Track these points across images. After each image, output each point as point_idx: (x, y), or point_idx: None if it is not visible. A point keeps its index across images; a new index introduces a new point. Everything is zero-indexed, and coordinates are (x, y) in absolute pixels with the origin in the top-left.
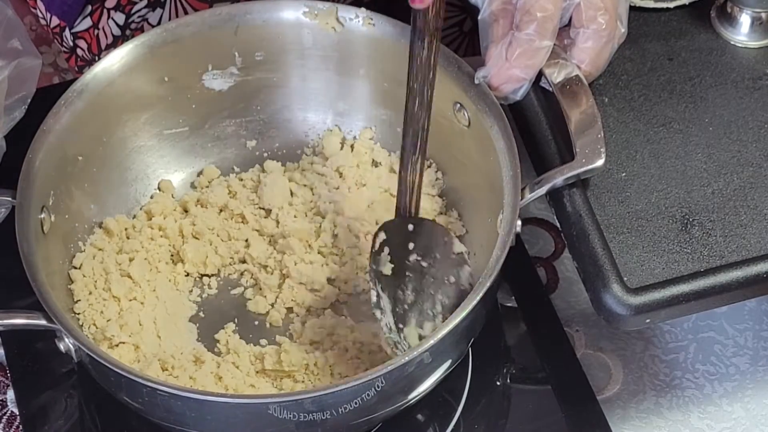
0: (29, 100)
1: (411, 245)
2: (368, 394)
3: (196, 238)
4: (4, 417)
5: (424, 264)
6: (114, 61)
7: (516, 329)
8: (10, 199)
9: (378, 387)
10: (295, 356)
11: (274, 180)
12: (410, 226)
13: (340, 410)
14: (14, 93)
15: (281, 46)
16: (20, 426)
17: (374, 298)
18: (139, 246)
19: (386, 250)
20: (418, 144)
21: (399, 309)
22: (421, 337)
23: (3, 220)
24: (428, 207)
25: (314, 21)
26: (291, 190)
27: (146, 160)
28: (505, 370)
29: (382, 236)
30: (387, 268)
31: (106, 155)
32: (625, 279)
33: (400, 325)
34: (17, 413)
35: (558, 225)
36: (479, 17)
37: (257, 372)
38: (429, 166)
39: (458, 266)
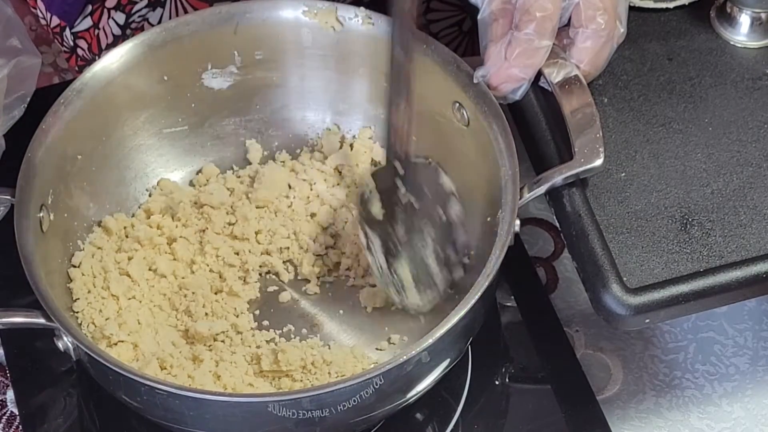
0: (29, 99)
1: (401, 187)
2: (366, 393)
3: (191, 238)
4: (4, 417)
5: (414, 203)
6: (113, 60)
7: (516, 329)
8: (9, 197)
9: (376, 385)
10: (292, 355)
11: (272, 174)
12: (401, 170)
13: (338, 409)
14: (14, 91)
15: (281, 46)
16: (20, 426)
17: (363, 240)
18: (138, 245)
19: (377, 195)
20: (402, 90)
21: (391, 247)
22: (412, 273)
23: (2, 218)
24: None
25: (314, 20)
26: (289, 184)
27: (145, 159)
28: (504, 370)
29: (372, 184)
30: (378, 212)
31: (106, 154)
32: (624, 279)
33: (390, 260)
34: (17, 413)
35: (557, 225)
36: (479, 17)
37: (255, 373)
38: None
39: (446, 201)
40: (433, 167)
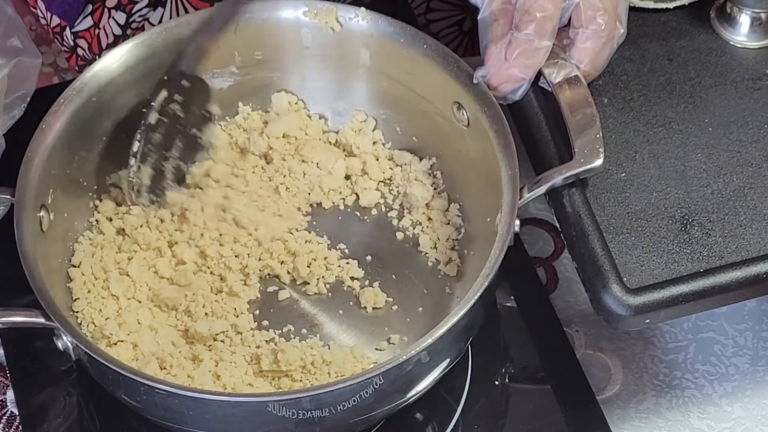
0: (29, 99)
1: (178, 97)
2: (366, 393)
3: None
4: (4, 417)
5: (180, 114)
6: (114, 59)
7: (516, 329)
8: (9, 197)
9: (376, 385)
10: (292, 355)
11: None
12: (185, 82)
13: (338, 408)
14: (14, 91)
15: (281, 46)
16: (20, 426)
17: (134, 147)
18: (138, 245)
19: (158, 104)
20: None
21: (146, 150)
22: (152, 177)
23: (2, 218)
24: (419, 194)
25: (314, 20)
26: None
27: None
28: (504, 370)
29: (164, 94)
30: (153, 117)
31: (105, 154)
32: (624, 279)
33: (140, 164)
34: (17, 413)
35: (557, 225)
36: (479, 17)
37: (255, 373)
38: (429, 159)
39: (206, 123)
40: (207, 88)
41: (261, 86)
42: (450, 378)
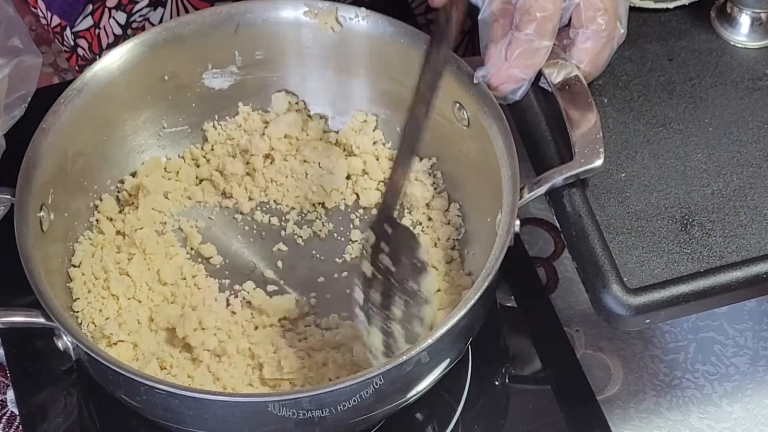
0: (29, 99)
1: (385, 247)
2: (366, 393)
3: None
4: (4, 417)
5: (392, 267)
6: (114, 59)
7: (516, 329)
8: (9, 197)
9: (376, 386)
10: (294, 362)
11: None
12: (389, 229)
13: (338, 409)
14: (14, 91)
15: (281, 46)
16: (20, 426)
17: (360, 299)
18: (135, 248)
19: (369, 250)
20: (413, 148)
21: (368, 310)
22: (384, 342)
23: (2, 218)
24: (419, 194)
25: (314, 20)
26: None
27: (146, 159)
28: (504, 371)
29: (372, 238)
30: (367, 268)
31: (106, 154)
32: (624, 279)
33: (369, 326)
34: (17, 413)
35: (558, 225)
36: (479, 17)
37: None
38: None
39: (420, 273)
40: (413, 236)
41: (261, 86)
42: (450, 378)
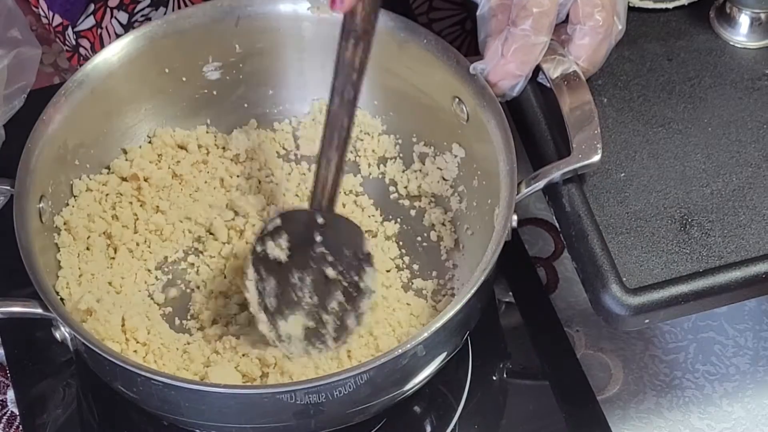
0: (29, 90)
1: (318, 237)
2: (362, 385)
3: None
4: (4, 417)
5: (330, 258)
6: (114, 52)
7: (516, 329)
8: (9, 188)
9: (372, 378)
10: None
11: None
12: (320, 219)
13: (335, 401)
14: (14, 82)
15: (281, 39)
16: (20, 426)
17: (251, 274)
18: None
19: (285, 236)
20: (335, 143)
21: (290, 294)
22: (304, 326)
23: (1, 208)
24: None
25: (316, 14)
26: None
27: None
28: (504, 370)
29: (277, 222)
30: (280, 254)
31: (106, 146)
32: (624, 279)
33: (283, 307)
34: (17, 413)
35: (557, 225)
36: (477, 13)
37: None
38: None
39: (364, 266)
40: (357, 230)
41: (260, 79)
42: (450, 378)
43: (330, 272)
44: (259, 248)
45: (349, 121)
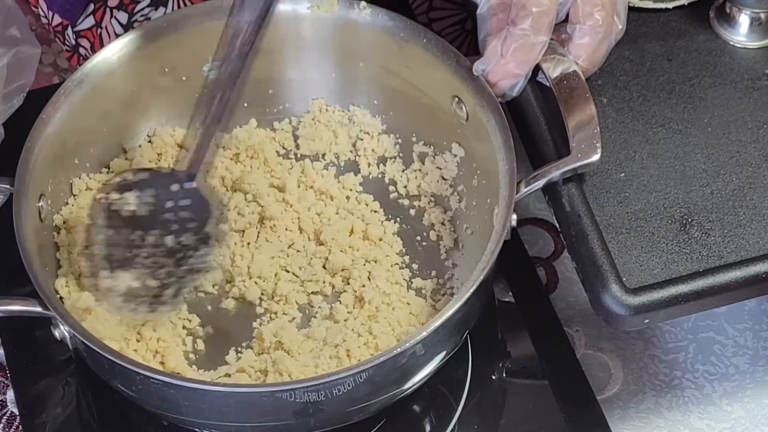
0: (28, 89)
1: (169, 203)
2: (361, 384)
3: None
4: (4, 417)
5: (173, 226)
6: (114, 51)
7: (516, 329)
8: (8, 186)
9: (371, 377)
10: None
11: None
12: (176, 186)
13: (334, 399)
14: (13, 81)
15: (281, 38)
16: (20, 426)
17: (87, 220)
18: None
19: (146, 191)
20: (205, 112)
21: (126, 252)
22: (128, 284)
23: (1, 207)
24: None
25: (315, 13)
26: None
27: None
28: (504, 370)
29: (129, 176)
30: (131, 208)
31: (106, 145)
32: (623, 279)
33: (115, 264)
34: (17, 413)
35: (557, 225)
36: (477, 12)
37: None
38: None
39: (206, 242)
40: (207, 206)
41: (260, 78)
42: (450, 378)
43: (168, 240)
44: (115, 195)
45: (226, 95)
